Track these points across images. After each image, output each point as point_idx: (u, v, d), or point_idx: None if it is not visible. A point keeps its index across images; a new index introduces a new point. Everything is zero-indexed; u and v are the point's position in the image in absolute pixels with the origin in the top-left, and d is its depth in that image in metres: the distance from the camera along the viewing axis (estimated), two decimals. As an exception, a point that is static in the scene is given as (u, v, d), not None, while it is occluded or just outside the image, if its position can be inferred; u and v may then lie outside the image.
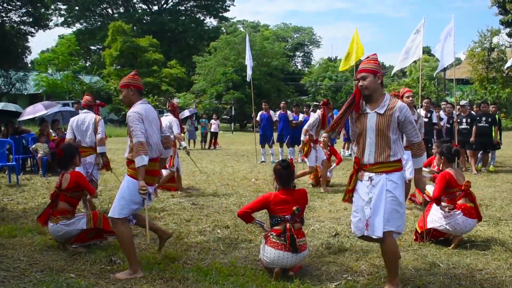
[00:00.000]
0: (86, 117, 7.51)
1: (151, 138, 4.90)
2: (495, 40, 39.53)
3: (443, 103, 14.96)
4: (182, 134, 10.11)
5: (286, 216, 4.81)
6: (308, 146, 10.02)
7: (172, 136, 8.95)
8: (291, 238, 4.72)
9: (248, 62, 15.97)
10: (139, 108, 4.94)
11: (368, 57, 4.53)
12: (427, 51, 46.51)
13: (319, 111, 10.37)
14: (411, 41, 13.56)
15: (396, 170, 4.32)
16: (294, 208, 4.80)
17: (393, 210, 4.25)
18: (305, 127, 10.19)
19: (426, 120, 13.41)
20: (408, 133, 4.37)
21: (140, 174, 4.68)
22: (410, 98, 7.70)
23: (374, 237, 4.28)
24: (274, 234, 4.80)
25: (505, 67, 13.51)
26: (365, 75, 4.35)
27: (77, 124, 7.42)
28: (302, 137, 10.14)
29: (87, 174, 7.17)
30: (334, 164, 11.06)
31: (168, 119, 9.36)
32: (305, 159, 10.25)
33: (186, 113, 23.69)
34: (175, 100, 43.11)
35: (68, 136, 7.42)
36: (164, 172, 9.90)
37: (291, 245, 4.71)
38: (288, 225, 4.76)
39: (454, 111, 13.69)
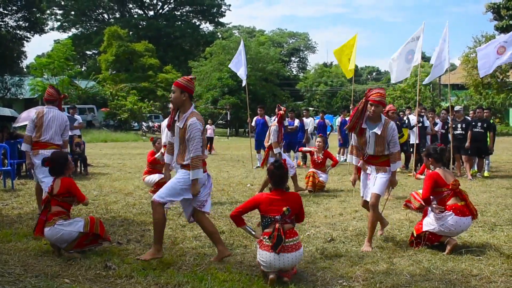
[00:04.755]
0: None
1: None
2: (489, 45, 39.72)
3: (443, 111, 14.85)
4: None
5: (276, 217, 4.81)
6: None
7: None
8: (278, 238, 4.70)
9: (244, 67, 15.94)
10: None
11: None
12: (421, 56, 46.69)
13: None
14: (407, 48, 13.61)
15: None
16: (284, 208, 4.78)
17: None
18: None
19: (419, 125, 13.54)
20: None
21: None
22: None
23: None
24: (267, 237, 4.80)
25: (481, 76, 13.54)
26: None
27: None
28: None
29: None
30: (330, 167, 11.09)
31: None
32: None
33: None
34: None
35: None
36: (157, 176, 9.88)
37: (275, 245, 4.68)
38: (277, 225, 4.76)
39: (448, 117, 13.71)
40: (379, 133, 6.03)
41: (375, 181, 6.12)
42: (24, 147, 7.45)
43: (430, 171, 6.66)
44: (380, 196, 6.11)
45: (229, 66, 16.76)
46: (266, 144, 10.44)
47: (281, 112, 10.22)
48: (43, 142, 7.34)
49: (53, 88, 7.84)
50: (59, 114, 7.54)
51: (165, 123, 8.80)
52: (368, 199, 6.18)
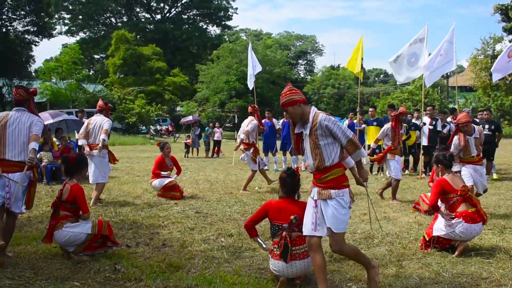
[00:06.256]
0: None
1: None
2: (498, 47, 39.61)
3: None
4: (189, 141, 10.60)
5: (284, 225, 4.81)
6: None
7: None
8: (285, 246, 4.70)
9: (252, 70, 15.96)
10: None
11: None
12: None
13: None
14: (411, 50, 13.55)
15: None
16: (292, 217, 4.79)
17: None
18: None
19: (431, 127, 13.41)
20: None
21: None
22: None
23: None
24: (276, 247, 4.81)
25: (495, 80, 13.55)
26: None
27: None
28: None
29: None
30: None
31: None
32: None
33: (189, 118, 24.36)
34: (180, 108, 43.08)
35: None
36: (167, 180, 9.95)
37: (283, 253, 4.69)
38: (284, 233, 4.76)
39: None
40: (307, 132, 4.46)
41: (324, 213, 4.39)
42: (80, 142, 9.42)
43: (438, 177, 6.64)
44: (340, 234, 4.39)
45: (250, 73, 16.82)
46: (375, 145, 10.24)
47: (403, 109, 9.80)
48: (91, 144, 9.18)
49: (102, 100, 9.69)
50: (101, 120, 9.24)
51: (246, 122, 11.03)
52: (319, 234, 4.44)
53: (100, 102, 9.52)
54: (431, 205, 5.99)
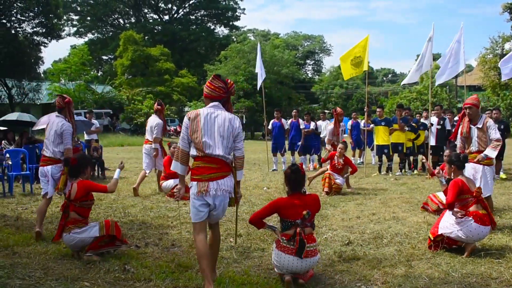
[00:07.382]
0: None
1: None
2: (507, 46, 39.34)
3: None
4: None
5: (297, 221, 4.80)
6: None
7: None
8: (300, 242, 4.70)
9: (260, 70, 15.97)
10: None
11: None
12: (437, 58, 46.28)
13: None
14: (424, 51, 13.58)
15: None
16: (305, 212, 4.78)
17: None
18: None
19: (439, 127, 13.38)
20: None
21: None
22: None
23: None
24: (285, 239, 4.80)
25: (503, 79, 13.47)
26: None
27: None
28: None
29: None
30: (348, 174, 11.03)
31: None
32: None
33: None
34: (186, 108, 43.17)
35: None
36: (172, 182, 9.97)
37: (299, 249, 4.69)
38: (298, 229, 4.76)
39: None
40: None
41: None
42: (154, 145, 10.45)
43: (447, 176, 6.60)
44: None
45: (256, 72, 16.86)
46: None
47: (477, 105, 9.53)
48: (146, 139, 10.69)
49: (159, 100, 11.21)
50: (153, 121, 10.47)
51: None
52: None
53: (155, 104, 10.84)
54: (448, 203, 5.95)
